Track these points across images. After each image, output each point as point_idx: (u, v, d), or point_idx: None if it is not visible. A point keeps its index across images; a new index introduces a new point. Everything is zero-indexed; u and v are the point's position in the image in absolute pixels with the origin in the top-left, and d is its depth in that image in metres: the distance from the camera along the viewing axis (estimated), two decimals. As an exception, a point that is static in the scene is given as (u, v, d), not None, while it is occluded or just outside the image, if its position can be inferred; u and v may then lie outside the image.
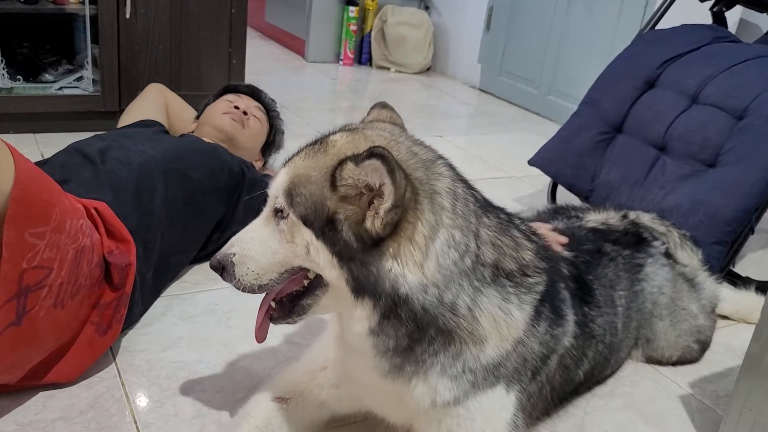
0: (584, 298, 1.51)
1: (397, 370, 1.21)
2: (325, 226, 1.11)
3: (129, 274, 1.64)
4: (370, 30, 5.19)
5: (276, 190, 1.18)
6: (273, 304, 1.26)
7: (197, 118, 2.59)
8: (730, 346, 2.03)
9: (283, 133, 2.72)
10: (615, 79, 2.69)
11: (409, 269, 1.12)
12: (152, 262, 1.83)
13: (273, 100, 2.72)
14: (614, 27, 3.97)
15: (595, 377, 1.69)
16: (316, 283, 1.20)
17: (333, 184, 1.11)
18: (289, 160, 1.21)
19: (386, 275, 1.11)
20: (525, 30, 4.57)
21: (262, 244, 1.19)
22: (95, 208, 1.63)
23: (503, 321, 1.22)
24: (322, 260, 1.13)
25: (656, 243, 1.86)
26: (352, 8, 5.05)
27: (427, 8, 5.36)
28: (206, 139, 2.35)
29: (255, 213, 2.14)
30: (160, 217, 1.88)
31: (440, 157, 1.23)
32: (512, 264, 1.25)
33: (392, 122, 1.35)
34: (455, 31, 5.19)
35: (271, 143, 2.67)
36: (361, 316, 1.15)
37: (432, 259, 1.13)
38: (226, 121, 2.43)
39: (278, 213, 1.17)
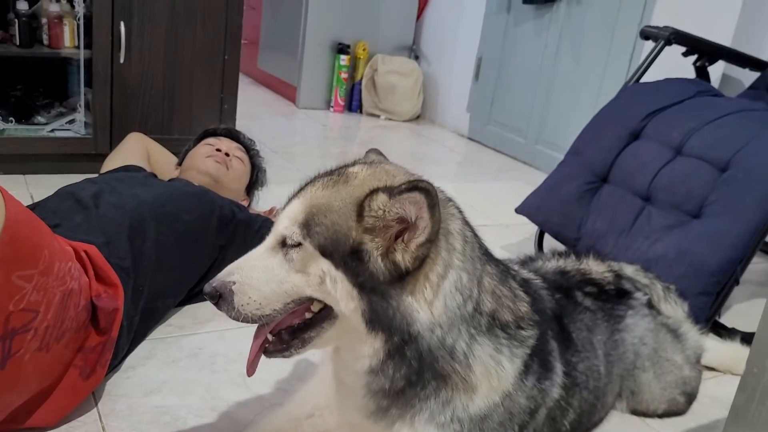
0: (565, 342, 1.52)
1: (382, 412, 1.20)
2: (347, 257, 1.11)
3: (116, 319, 1.63)
4: (361, 78, 5.28)
5: (289, 219, 1.15)
6: (270, 336, 1.23)
7: (179, 164, 2.62)
8: (716, 397, 2.03)
9: (265, 171, 2.76)
10: (600, 130, 2.74)
11: (421, 306, 1.13)
12: (141, 306, 1.82)
13: (251, 140, 2.76)
14: (600, 79, 4.06)
15: (583, 425, 1.68)
16: (323, 315, 1.18)
17: (360, 215, 1.11)
18: (301, 190, 1.19)
19: (405, 310, 1.12)
20: (513, 80, 4.66)
21: (266, 273, 1.15)
22: (85, 251, 1.63)
23: (494, 371, 1.23)
24: (339, 291, 1.12)
25: (638, 294, 1.87)
26: (343, 57, 5.14)
27: (417, 57, 5.46)
28: (194, 183, 2.36)
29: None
30: (150, 260, 1.88)
31: (451, 198, 1.25)
32: (508, 315, 1.26)
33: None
34: (444, 80, 5.28)
35: (254, 182, 2.70)
36: (366, 353, 1.15)
37: (440, 299, 1.14)
38: (211, 165, 2.46)
39: (287, 243, 1.15)
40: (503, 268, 1.32)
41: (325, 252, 1.12)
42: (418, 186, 1.07)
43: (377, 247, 1.11)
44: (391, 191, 1.10)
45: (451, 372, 1.18)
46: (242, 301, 1.15)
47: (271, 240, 1.18)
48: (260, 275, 1.15)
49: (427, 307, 1.14)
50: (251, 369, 1.25)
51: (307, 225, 1.13)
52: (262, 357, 1.25)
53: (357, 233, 1.11)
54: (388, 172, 1.20)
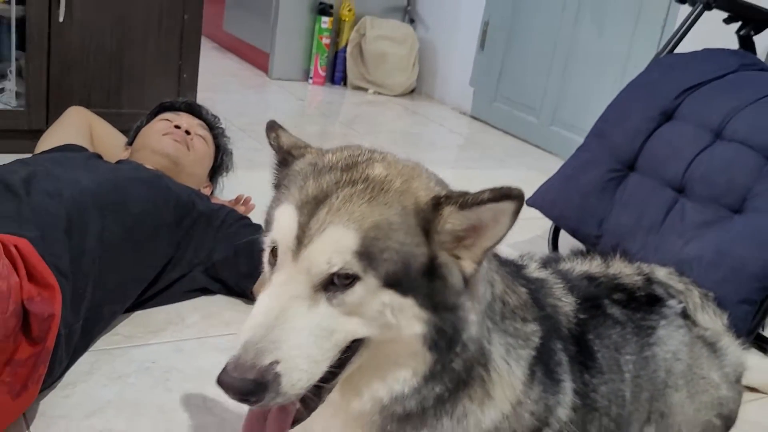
0: (584, 362, 1.52)
1: None
2: (420, 279, 1.09)
3: (51, 327, 1.61)
4: (346, 44, 5.26)
5: (335, 251, 1.05)
6: (299, 404, 1.12)
7: (129, 144, 2.60)
8: (759, 423, 2.04)
9: (231, 153, 2.76)
10: (627, 109, 2.74)
11: (471, 306, 1.16)
12: (82, 312, 1.81)
13: (216, 116, 2.75)
14: (627, 49, 4.07)
15: (601, 459, 1.69)
16: (352, 350, 1.12)
17: (426, 228, 1.09)
18: (319, 207, 1.08)
19: (465, 316, 1.14)
20: (525, 50, 4.65)
21: (316, 333, 1.05)
22: (15, 246, 1.61)
23: (506, 376, 1.24)
24: (404, 319, 1.09)
25: (672, 302, 1.87)
26: (325, 18, 5.12)
27: (412, 21, 5.44)
28: (147, 166, 2.35)
29: (208, 253, 2.16)
30: (93, 259, 1.87)
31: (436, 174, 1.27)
32: (514, 298, 1.29)
33: (318, 150, 1.31)
34: (444, 48, 5.28)
35: (218, 166, 2.69)
36: (401, 377, 1.15)
37: (474, 290, 1.17)
38: (168, 144, 2.45)
39: (335, 283, 1.06)
40: None
41: (392, 281, 1.07)
42: (513, 194, 1.07)
43: (452, 259, 1.12)
44: (464, 201, 1.10)
45: (476, 378, 1.20)
46: (293, 380, 1.03)
47: (303, 286, 1.07)
48: (308, 338, 1.04)
49: (471, 304, 1.17)
50: None
51: (368, 254, 1.05)
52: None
53: (427, 249, 1.10)
54: (408, 166, 1.19)
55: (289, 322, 1.04)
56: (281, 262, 1.08)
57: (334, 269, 1.04)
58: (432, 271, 1.09)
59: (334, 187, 1.10)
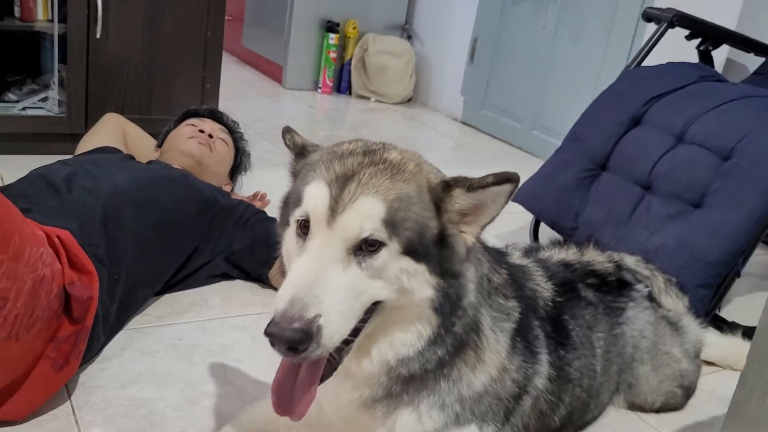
0: (559, 339, 1.53)
1: (388, 399, 1.22)
2: (432, 248, 1.12)
3: (90, 308, 1.62)
4: (351, 58, 5.25)
5: (366, 218, 1.07)
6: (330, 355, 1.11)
7: (159, 146, 2.60)
8: (715, 393, 2.05)
9: (249, 155, 2.75)
10: (600, 115, 2.74)
11: (470, 275, 1.20)
12: (117, 295, 1.81)
13: (235, 122, 2.75)
14: (600, 62, 4.06)
15: (575, 423, 1.70)
16: (371, 311, 1.13)
17: (437, 203, 1.14)
18: (348, 182, 1.10)
19: (466, 283, 1.18)
20: (509, 63, 4.64)
21: (347, 291, 1.06)
22: (58, 236, 1.61)
23: (494, 342, 1.27)
24: (417, 283, 1.11)
25: (639, 286, 1.88)
26: (332, 35, 5.11)
27: (409, 38, 5.43)
28: (174, 166, 2.35)
29: (228, 243, 2.16)
30: (127, 248, 1.87)
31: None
32: (497, 277, 1.32)
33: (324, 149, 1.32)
34: (438, 61, 5.26)
35: (238, 166, 2.69)
36: (408, 341, 1.16)
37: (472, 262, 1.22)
38: (194, 146, 2.45)
39: (363, 249, 1.07)
40: None
41: (410, 248, 1.09)
42: (511, 178, 1.12)
43: (457, 231, 1.16)
44: (471, 184, 1.14)
45: (471, 344, 1.23)
46: (331, 333, 1.03)
47: (338, 249, 1.07)
48: (343, 296, 1.05)
49: (470, 274, 1.20)
50: (303, 408, 1.14)
51: (392, 222, 1.08)
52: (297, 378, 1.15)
53: (438, 222, 1.14)
54: (415, 154, 1.24)
55: (328, 281, 1.05)
56: (315, 230, 1.09)
57: (365, 234, 1.07)
58: (442, 241, 1.13)
59: (359, 166, 1.13)
